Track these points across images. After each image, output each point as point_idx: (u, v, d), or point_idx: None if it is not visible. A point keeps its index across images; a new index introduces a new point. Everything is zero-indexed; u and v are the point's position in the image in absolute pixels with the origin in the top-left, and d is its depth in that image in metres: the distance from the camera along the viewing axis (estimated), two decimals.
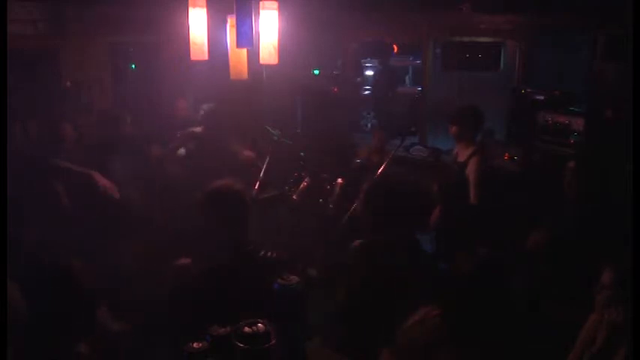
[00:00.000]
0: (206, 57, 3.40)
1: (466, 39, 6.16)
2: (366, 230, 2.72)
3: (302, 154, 5.14)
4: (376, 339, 2.03)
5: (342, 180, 4.89)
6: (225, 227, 2.47)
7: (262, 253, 2.46)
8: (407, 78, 8.24)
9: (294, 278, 1.95)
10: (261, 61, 3.30)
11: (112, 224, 4.28)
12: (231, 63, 3.42)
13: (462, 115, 4.06)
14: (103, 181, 4.11)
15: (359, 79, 7.59)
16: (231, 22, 3.29)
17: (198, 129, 4.72)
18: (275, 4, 3.24)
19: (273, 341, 1.76)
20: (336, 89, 6.81)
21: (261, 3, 3.19)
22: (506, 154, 5.10)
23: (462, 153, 4.10)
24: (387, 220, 2.59)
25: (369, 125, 7.44)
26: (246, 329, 1.77)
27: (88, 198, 4.35)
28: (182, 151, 4.86)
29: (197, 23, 3.34)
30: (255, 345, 1.74)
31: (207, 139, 4.70)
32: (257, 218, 2.55)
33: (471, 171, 3.93)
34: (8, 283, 1.63)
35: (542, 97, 5.17)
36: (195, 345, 1.80)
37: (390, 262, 2.51)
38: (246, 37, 3.10)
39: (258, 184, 4.54)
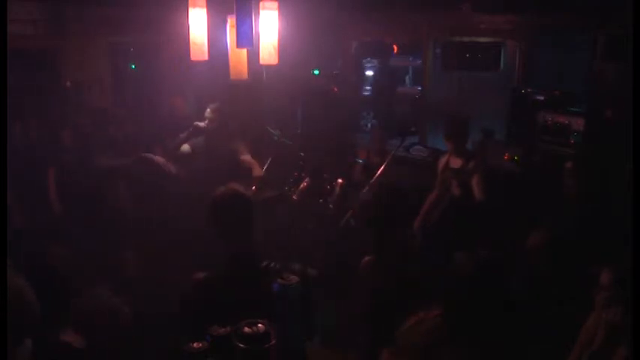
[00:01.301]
0: (206, 57, 3.40)
1: (466, 39, 6.15)
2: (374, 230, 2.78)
3: (302, 154, 5.14)
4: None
5: (342, 180, 4.89)
6: (230, 234, 2.36)
7: (265, 264, 2.34)
8: (407, 78, 8.24)
9: (294, 278, 1.95)
10: (261, 61, 3.30)
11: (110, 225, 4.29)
12: (231, 63, 3.42)
13: (455, 132, 4.24)
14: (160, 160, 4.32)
15: (355, 80, 7.57)
16: (231, 22, 3.29)
17: (202, 124, 4.72)
18: (275, 4, 3.24)
19: (273, 341, 1.76)
20: (335, 89, 6.81)
21: (261, 3, 3.19)
22: (506, 154, 5.10)
23: (455, 160, 4.23)
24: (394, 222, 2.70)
25: (369, 125, 7.43)
26: (246, 329, 1.77)
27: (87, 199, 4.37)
28: (186, 147, 4.85)
29: (197, 23, 3.34)
30: (255, 345, 1.74)
31: (212, 137, 4.70)
32: (256, 219, 2.50)
33: (470, 170, 4.00)
34: (19, 279, 1.62)
35: (542, 97, 5.16)
36: (195, 345, 1.80)
37: (400, 271, 2.61)
38: (246, 37, 3.10)
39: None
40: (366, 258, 2.81)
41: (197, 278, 2.26)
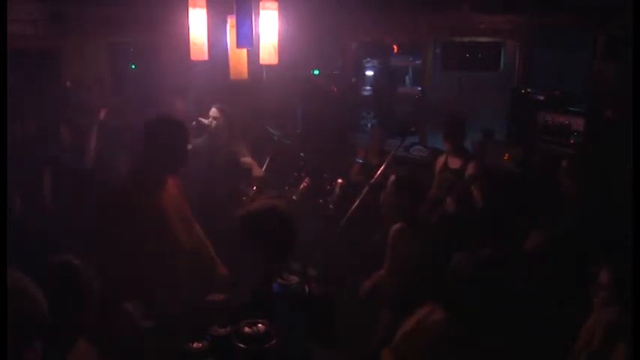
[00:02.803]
0: (206, 57, 3.41)
1: (466, 39, 6.15)
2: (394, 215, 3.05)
3: (302, 154, 5.14)
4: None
5: (342, 180, 4.89)
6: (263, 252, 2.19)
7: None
8: (407, 78, 8.22)
9: (294, 279, 1.95)
10: (261, 61, 3.30)
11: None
12: (231, 63, 3.42)
13: (452, 132, 4.31)
14: None
15: (354, 79, 7.56)
16: (231, 22, 3.29)
17: (206, 121, 4.71)
18: (275, 4, 3.24)
19: (273, 341, 1.76)
20: (335, 89, 6.81)
21: (261, 3, 3.19)
22: (506, 154, 5.10)
23: (453, 160, 4.27)
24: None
25: (369, 125, 7.43)
26: (246, 329, 1.77)
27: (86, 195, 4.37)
28: None
29: (197, 23, 3.34)
30: (255, 345, 1.74)
31: (215, 137, 4.70)
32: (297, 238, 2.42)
33: (470, 175, 4.02)
34: (26, 278, 1.60)
35: (542, 97, 5.16)
36: (195, 345, 1.80)
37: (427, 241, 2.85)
38: (246, 37, 3.10)
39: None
40: (396, 225, 3.01)
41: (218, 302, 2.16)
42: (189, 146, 4.73)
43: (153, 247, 2.51)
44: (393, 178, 3.25)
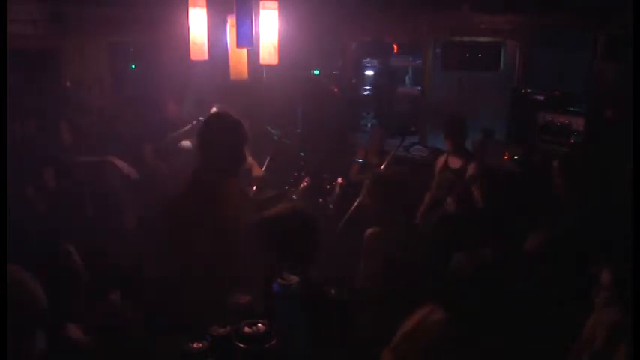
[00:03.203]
0: (206, 57, 3.41)
1: (466, 39, 6.15)
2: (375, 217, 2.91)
3: (302, 154, 5.14)
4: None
5: (342, 180, 4.89)
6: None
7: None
8: (407, 78, 8.21)
9: (294, 278, 1.95)
10: (261, 61, 3.30)
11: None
12: (231, 63, 3.42)
13: (454, 131, 4.31)
14: (121, 164, 4.12)
15: (354, 80, 7.56)
16: (231, 22, 3.29)
17: None
18: (275, 4, 3.25)
19: (273, 341, 1.76)
20: (336, 89, 6.81)
21: (261, 3, 3.20)
22: (507, 154, 5.10)
23: (454, 160, 4.28)
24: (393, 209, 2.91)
25: (369, 125, 7.43)
26: (246, 329, 1.77)
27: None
28: (187, 143, 4.85)
29: (197, 23, 3.35)
30: (255, 345, 1.74)
31: None
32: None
33: (470, 176, 4.02)
34: (28, 276, 1.60)
35: (542, 97, 5.17)
36: (195, 345, 1.79)
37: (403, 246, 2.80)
38: (246, 37, 3.10)
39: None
40: (370, 230, 2.91)
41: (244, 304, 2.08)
42: (188, 144, 4.79)
43: (208, 249, 2.38)
44: (366, 182, 3.20)
